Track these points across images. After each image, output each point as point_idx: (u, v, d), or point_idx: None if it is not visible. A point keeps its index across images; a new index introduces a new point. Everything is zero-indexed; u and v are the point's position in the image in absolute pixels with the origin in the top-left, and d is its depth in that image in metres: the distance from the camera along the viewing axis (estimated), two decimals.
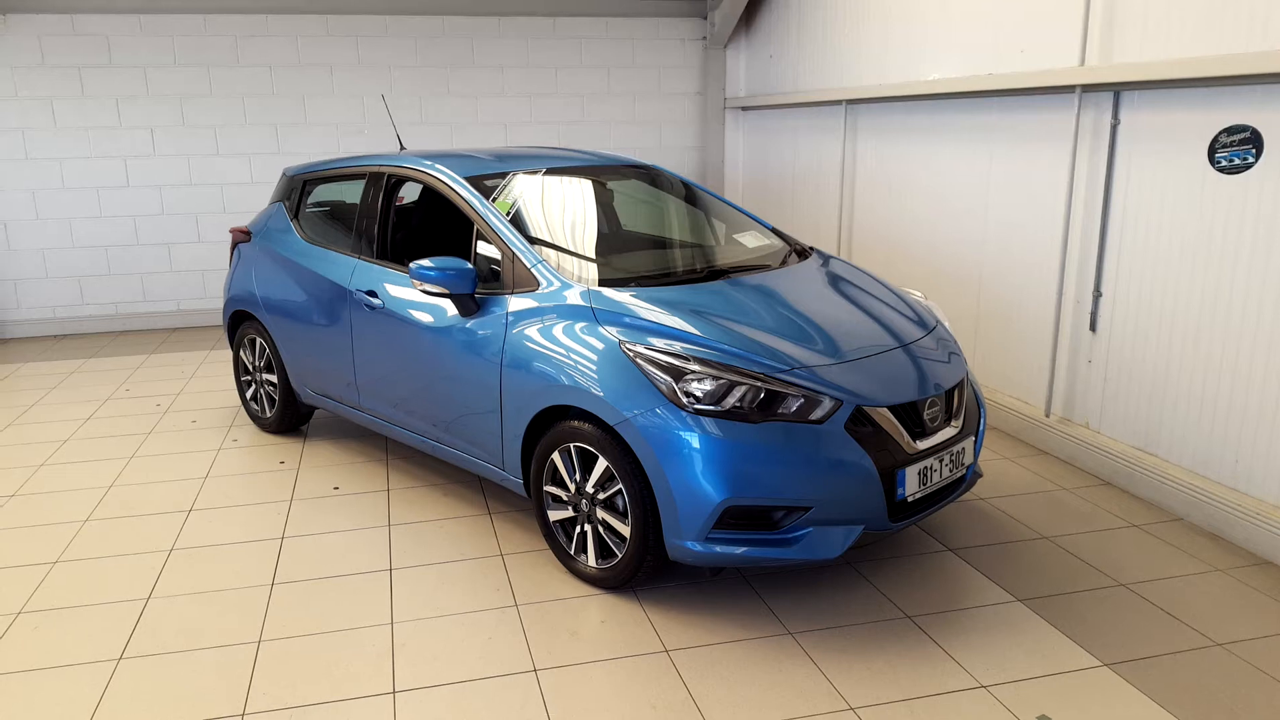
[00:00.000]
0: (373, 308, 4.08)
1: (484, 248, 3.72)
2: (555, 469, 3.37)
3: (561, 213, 4.02)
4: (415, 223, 4.87)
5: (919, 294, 4.02)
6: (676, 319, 3.21)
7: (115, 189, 7.54)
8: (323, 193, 4.91)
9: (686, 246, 4.36)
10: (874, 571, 3.45)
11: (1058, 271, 4.44)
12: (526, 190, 3.97)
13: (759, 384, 2.97)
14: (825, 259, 4.13)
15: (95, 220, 7.57)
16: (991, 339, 5.04)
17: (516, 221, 3.74)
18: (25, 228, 7.46)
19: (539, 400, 3.34)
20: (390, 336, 4.01)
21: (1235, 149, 3.51)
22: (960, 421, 3.34)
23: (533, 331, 3.40)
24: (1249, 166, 3.46)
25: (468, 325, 3.63)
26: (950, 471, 3.26)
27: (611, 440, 3.12)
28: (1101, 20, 4.08)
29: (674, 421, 2.96)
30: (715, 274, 3.70)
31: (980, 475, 3.55)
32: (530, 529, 3.83)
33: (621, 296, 3.35)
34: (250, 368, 5.10)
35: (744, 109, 8.31)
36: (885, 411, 3.06)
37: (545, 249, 3.63)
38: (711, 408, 2.95)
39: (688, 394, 2.97)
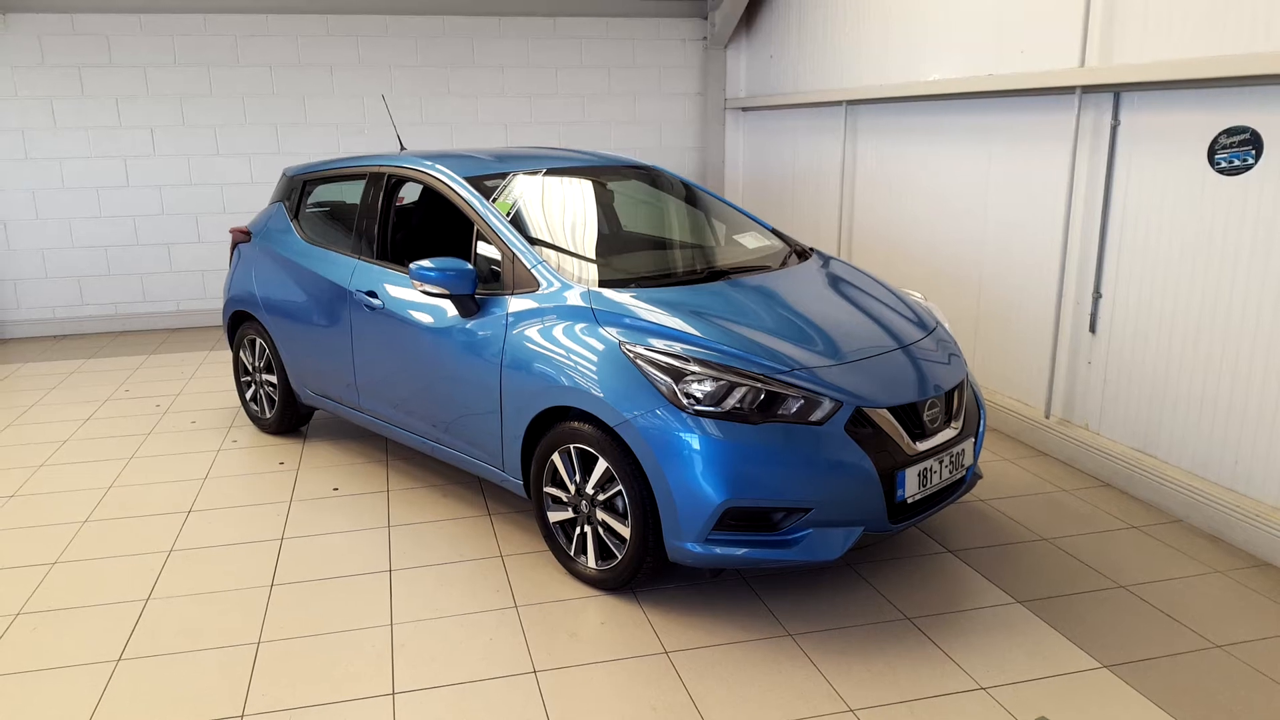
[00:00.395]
0: (373, 308, 4.08)
1: (484, 248, 3.72)
2: (555, 470, 3.37)
3: (562, 213, 4.02)
4: (415, 223, 4.87)
5: (919, 295, 4.01)
6: (676, 320, 3.21)
7: (115, 189, 7.54)
8: (323, 193, 4.91)
9: (687, 247, 4.36)
10: (874, 573, 3.45)
11: (1057, 273, 4.44)
12: (527, 191, 3.97)
13: (759, 385, 2.97)
14: (825, 260, 4.13)
15: (95, 220, 7.56)
16: (991, 340, 5.04)
17: (517, 222, 3.74)
18: (25, 228, 7.45)
19: (539, 401, 3.34)
20: (390, 337, 4.01)
21: (1235, 150, 3.51)
22: (960, 423, 3.34)
23: (533, 332, 3.40)
24: (1249, 168, 3.46)
25: (468, 326, 3.63)
26: (950, 473, 3.26)
27: (611, 441, 3.12)
28: (1102, 21, 4.08)
29: (674, 422, 2.96)
30: (715, 275, 3.70)
31: (980, 477, 3.55)
32: (530, 530, 3.83)
33: (621, 297, 3.35)
34: (250, 368, 5.10)
35: (744, 109, 8.30)
36: (885, 413, 3.06)
37: (545, 250, 3.63)
38: (711, 409, 2.95)
39: (688, 395, 2.97)
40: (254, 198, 7.74)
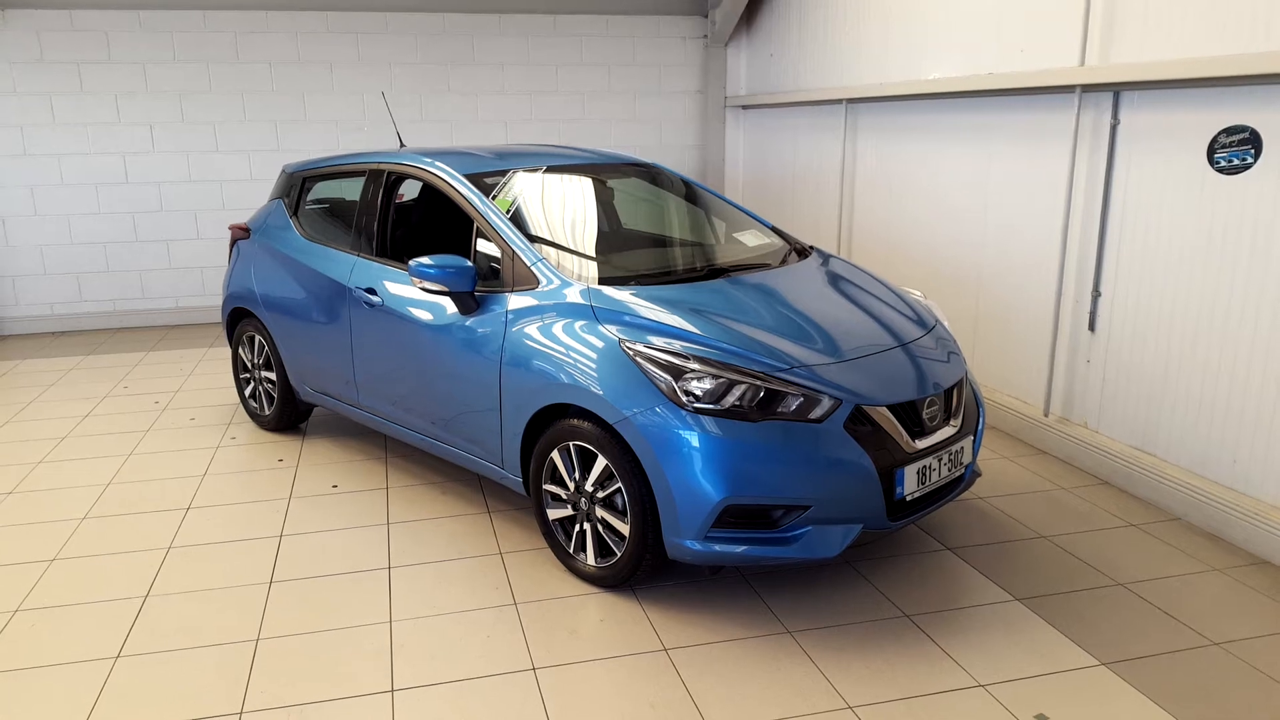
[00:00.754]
0: (372, 305, 4.08)
1: (484, 245, 3.72)
2: (554, 467, 3.37)
3: (561, 211, 4.02)
4: (415, 220, 4.87)
5: (918, 293, 4.02)
6: (676, 317, 3.21)
7: (114, 185, 7.53)
8: (322, 190, 4.90)
9: (686, 245, 4.36)
10: (872, 570, 3.45)
11: (1057, 271, 4.45)
12: (526, 188, 3.97)
13: (758, 383, 2.97)
14: (825, 258, 4.13)
15: (94, 217, 7.56)
16: (990, 338, 5.04)
17: (516, 219, 3.74)
18: (24, 224, 7.45)
19: (538, 398, 3.34)
20: (389, 334, 4.01)
21: (1234, 149, 3.51)
22: (959, 421, 3.34)
23: (532, 330, 3.40)
24: (1248, 167, 3.46)
25: (467, 323, 3.63)
26: (949, 471, 3.26)
27: (611, 439, 3.12)
28: (1102, 20, 4.08)
29: (673, 420, 2.96)
30: (715, 272, 3.70)
31: (979, 474, 3.55)
32: (529, 527, 3.83)
33: (621, 295, 3.35)
34: (249, 365, 5.10)
35: (744, 107, 8.30)
36: (884, 410, 3.06)
37: (545, 247, 3.62)
38: (711, 406, 2.95)
39: (687, 392, 2.97)
40: (253, 194, 7.73)
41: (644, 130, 8.49)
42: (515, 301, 3.51)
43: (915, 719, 2.61)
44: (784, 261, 3.95)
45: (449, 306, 3.71)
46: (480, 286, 3.64)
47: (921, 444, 3.14)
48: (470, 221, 3.82)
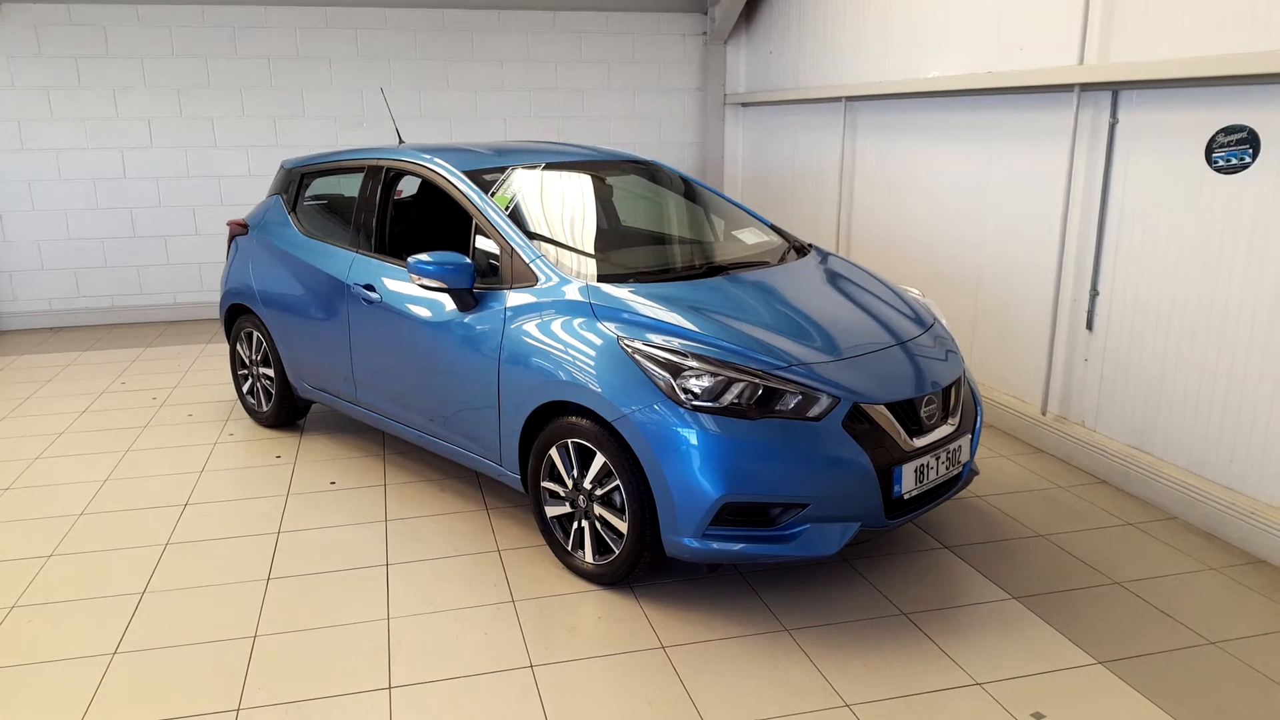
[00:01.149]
0: (370, 302, 4.07)
1: (482, 242, 3.72)
2: (553, 465, 3.37)
3: (560, 208, 4.02)
4: (413, 217, 4.86)
5: (917, 291, 4.02)
6: (675, 315, 3.21)
7: (112, 181, 7.52)
8: (321, 186, 4.90)
9: (685, 242, 4.36)
10: (870, 568, 3.46)
11: (1055, 270, 4.45)
12: (525, 185, 3.97)
13: (757, 381, 2.97)
14: (824, 256, 4.13)
15: (92, 212, 7.54)
16: (989, 337, 5.04)
17: (515, 216, 3.73)
18: (21, 219, 7.43)
19: (537, 396, 3.34)
20: (388, 331, 4.00)
21: (1232, 149, 3.51)
22: (957, 419, 3.35)
23: (531, 327, 3.40)
24: (1246, 166, 3.46)
25: (466, 320, 3.63)
26: (947, 469, 3.27)
27: (609, 436, 3.12)
28: (1101, 19, 4.08)
29: (672, 418, 2.96)
30: (714, 270, 3.70)
31: (976, 473, 3.55)
32: (527, 524, 3.83)
33: (620, 292, 3.35)
34: (247, 361, 5.09)
35: (744, 105, 8.30)
36: (882, 409, 3.07)
37: (544, 244, 3.62)
38: (709, 404, 2.95)
39: (686, 390, 2.97)
40: (252, 190, 7.72)
41: (643, 127, 8.48)
42: (514, 299, 3.51)
43: (913, 717, 2.61)
44: (783, 259, 3.95)
45: (447, 303, 3.70)
46: (479, 283, 3.63)
47: (919, 442, 3.14)
48: (469, 218, 3.81)
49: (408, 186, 4.78)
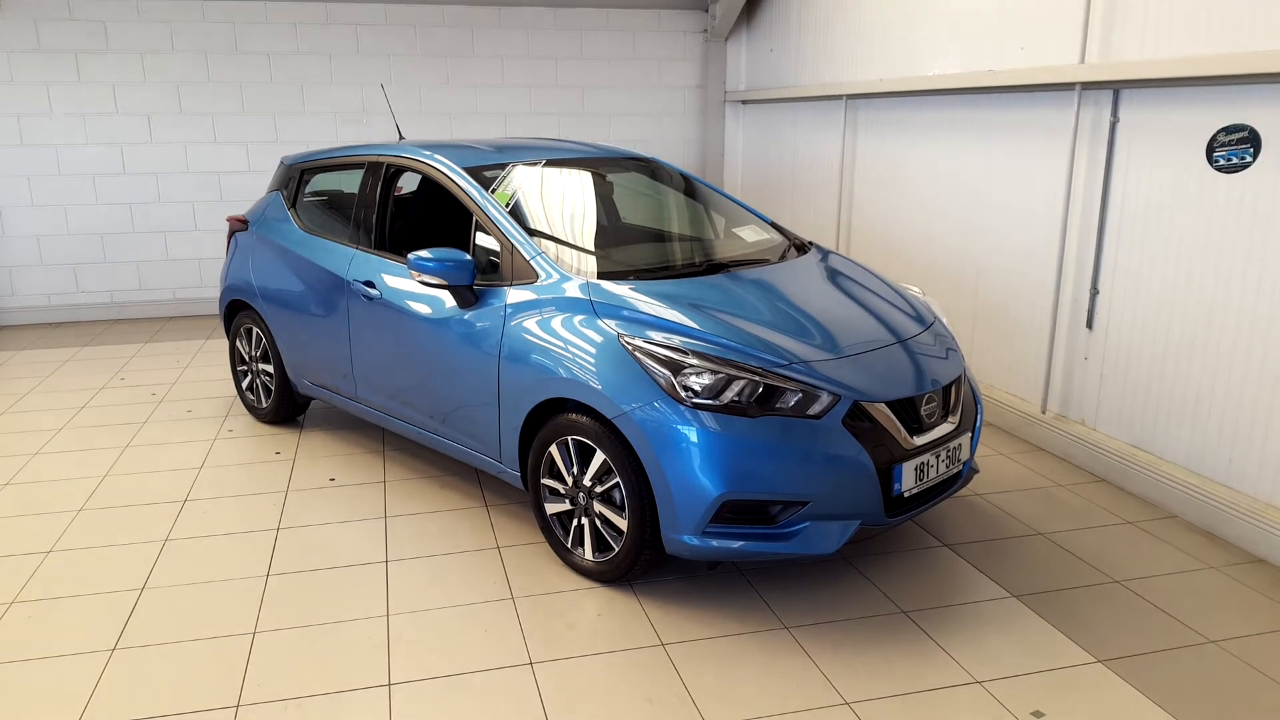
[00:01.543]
0: (370, 298, 4.07)
1: (483, 239, 3.71)
2: (552, 462, 3.37)
3: (561, 205, 4.01)
4: (413, 213, 4.85)
5: (917, 290, 4.02)
6: (675, 313, 3.21)
7: (111, 176, 7.51)
8: (321, 182, 4.89)
9: (686, 240, 4.35)
10: (870, 567, 3.46)
11: (1055, 268, 4.45)
12: (526, 182, 3.96)
13: (757, 378, 2.97)
14: (824, 254, 4.12)
15: (91, 207, 7.53)
16: (989, 335, 5.04)
17: (515, 213, 3.73)
18: (20, 214, 7.42)
19: (537, 393, 3.33)
20: (387, 327, 4.00)
21: (1233, 148, 3.51)
22: (957, 417, 3.35)
23: (531, 324, 3.39)
24: (1246, 166, 3.46)
25: (466, 317, 3.63)
26: (947, 467, 3.27)
27: (609, 433, 3.11)
28: (1102, 18, 4.07)
29: (672, 415, 2.95)
30: (714, 268, 3.69)
31: (976, 471, 3.55)
32: (527, 522, 3.83)
33: (620, 289, 3.34)
34: (246, 357, 5.09)
35: (744, 102, 8.29)
36: (883, 407, 3.06)
37: (544, 241, 3.62)
38: (710, 402, 2.95)
39: (686, 388, 2.97)
40: (251, 186, 7.71)
41: (643, 124, 8.47)
42: (514, 295, 3.51)
43: (912, 715, 2.62)
44: (783, 257, 3.95)
45: (448, 300, 3.70)
46: (479, 280, 3.63)
47: (919, 440, 3.14)
48: (469, 215, 3.81)
49: (408, 183, 4.77)
